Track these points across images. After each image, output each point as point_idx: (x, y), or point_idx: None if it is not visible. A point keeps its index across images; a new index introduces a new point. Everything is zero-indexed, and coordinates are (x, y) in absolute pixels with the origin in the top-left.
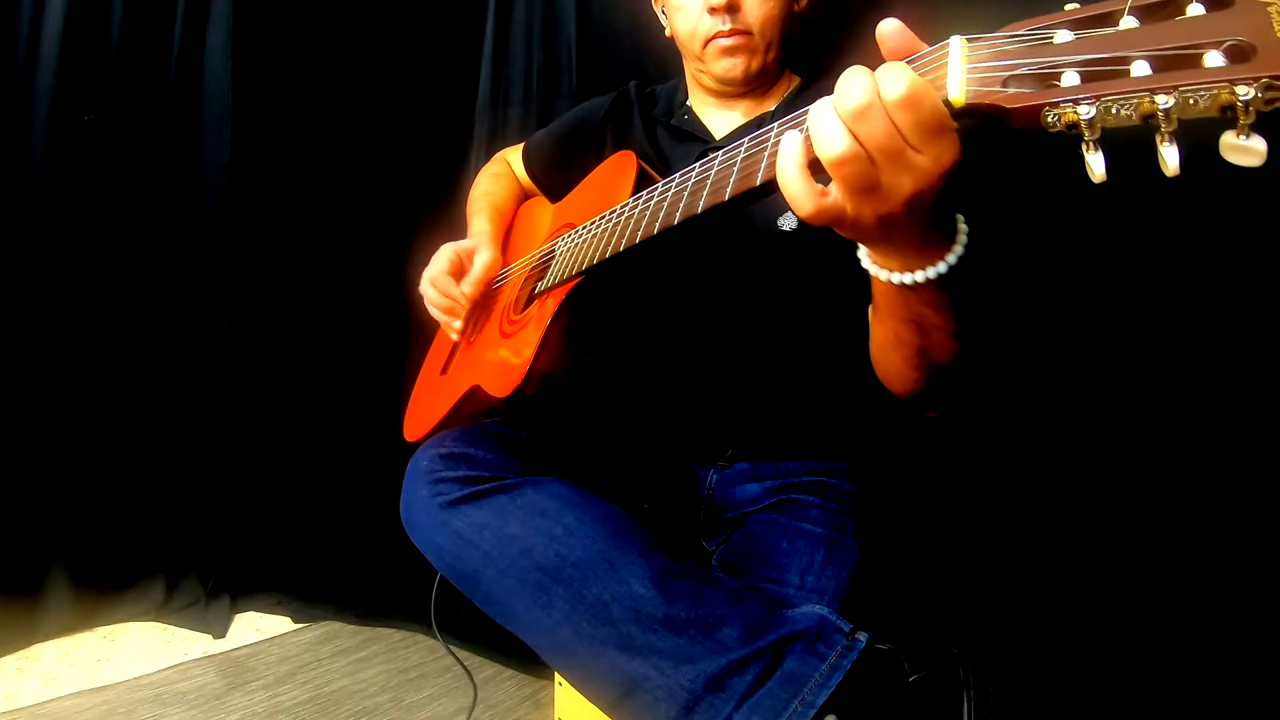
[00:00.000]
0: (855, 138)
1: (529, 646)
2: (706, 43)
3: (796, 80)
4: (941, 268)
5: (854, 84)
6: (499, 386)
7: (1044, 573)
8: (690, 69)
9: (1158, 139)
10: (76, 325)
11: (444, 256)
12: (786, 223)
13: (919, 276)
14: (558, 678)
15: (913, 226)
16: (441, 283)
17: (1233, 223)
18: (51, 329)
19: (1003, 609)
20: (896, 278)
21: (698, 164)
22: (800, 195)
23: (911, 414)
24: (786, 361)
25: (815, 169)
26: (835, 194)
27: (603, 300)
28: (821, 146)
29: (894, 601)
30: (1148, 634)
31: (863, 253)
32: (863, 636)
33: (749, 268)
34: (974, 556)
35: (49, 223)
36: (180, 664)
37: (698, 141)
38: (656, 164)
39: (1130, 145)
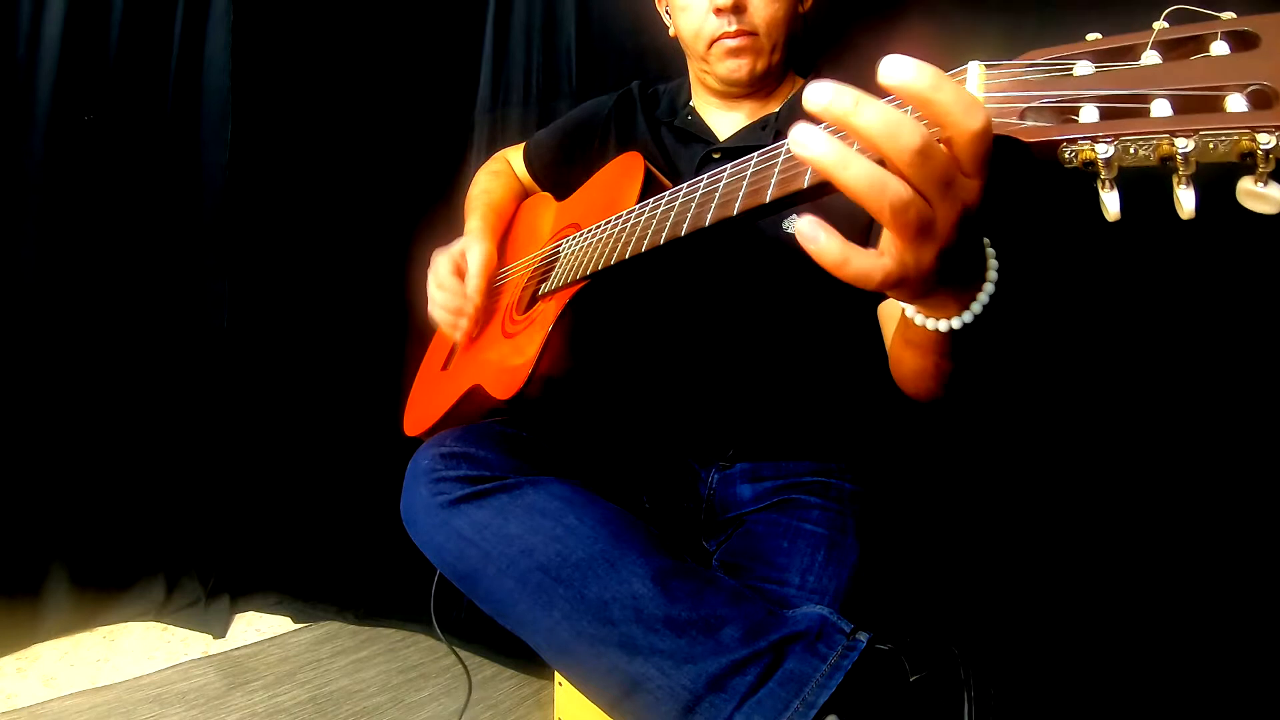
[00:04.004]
0: (911, 183)
1: (529, 646)
2: (711, 43)
3: (800, 81)
4: (990, 289)
5: (908, 128)
6: (501, 388)
7: (1044, 573)
8: (694, 70)
9: (1174, 180)
10: (76, 325)
11: (442, 263)
12: (791, 226)
13: (975, 310)
14: (558, 678)
15: (966, 255)
16: (449, 284)
17: (1240, 256)
18: (51, 329)
19: (1003, 609)
20: (957, 323)
21: (707, 174)
22: (863, 268)
23: (918, 412)
24: (789, 363)
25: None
26: (892, 251)
27: (607, 303)
28: (876, 201)
29: (894, 601)
30: (1148, 634)
31: (911, 310)
32: (863, 637)
33: (753, 271)
34: (974, 556)
35: (49, 223)
36: (180, 664)
37: (701, 143)
38: (660, 164)
39: (1143, 181)
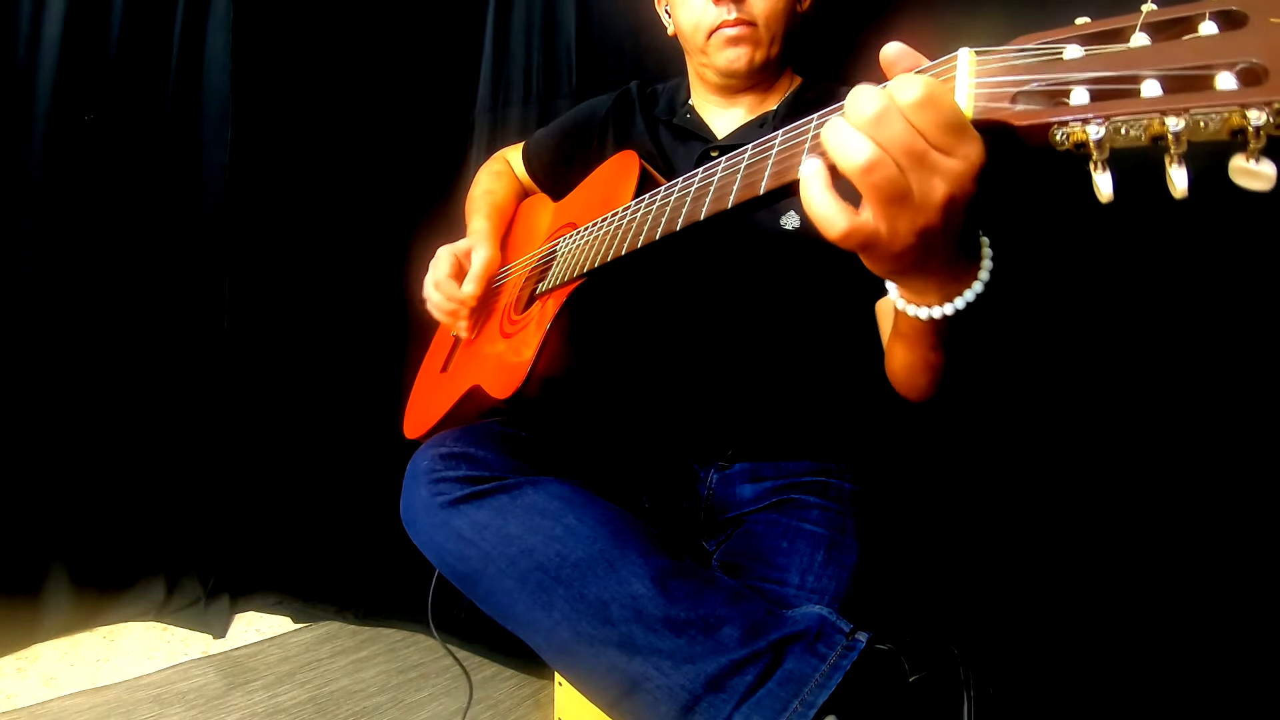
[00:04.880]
0: (877, 143)
1: (529, 646)
2: (711, 34)
3: (798, 80)
4: (978, 287)
5: (864, 94)
6: (500, 387)
7: (1044, 573)
8: (693, 65)
9: (1167, 160)
10: (76, 326)
11: (444, 260)
12: (789, 222)
13: (958, 304)
14: (557, 678)
15: (949, 241)
16: (445, 286)
17: (1235, 237)
18: (51, 329)
19: (1003, 609)
20: (938, 312)
21: (701, 168)
22: (830, 214)
23: (917, 412)
24: (788, 362)
25: (842, 192)
26: (867, 213)
27: (605, 301)
28: (844, 158)
29: (894, 601)
30: (1148, 634)
31: (895, 293)
32: (863, 636)
33: (751, 267)
34: (974, 556)
35: (48, 223)
36: (180, 664)
37: (700, 140)
38: (658, 163)
39: (1138, 163)
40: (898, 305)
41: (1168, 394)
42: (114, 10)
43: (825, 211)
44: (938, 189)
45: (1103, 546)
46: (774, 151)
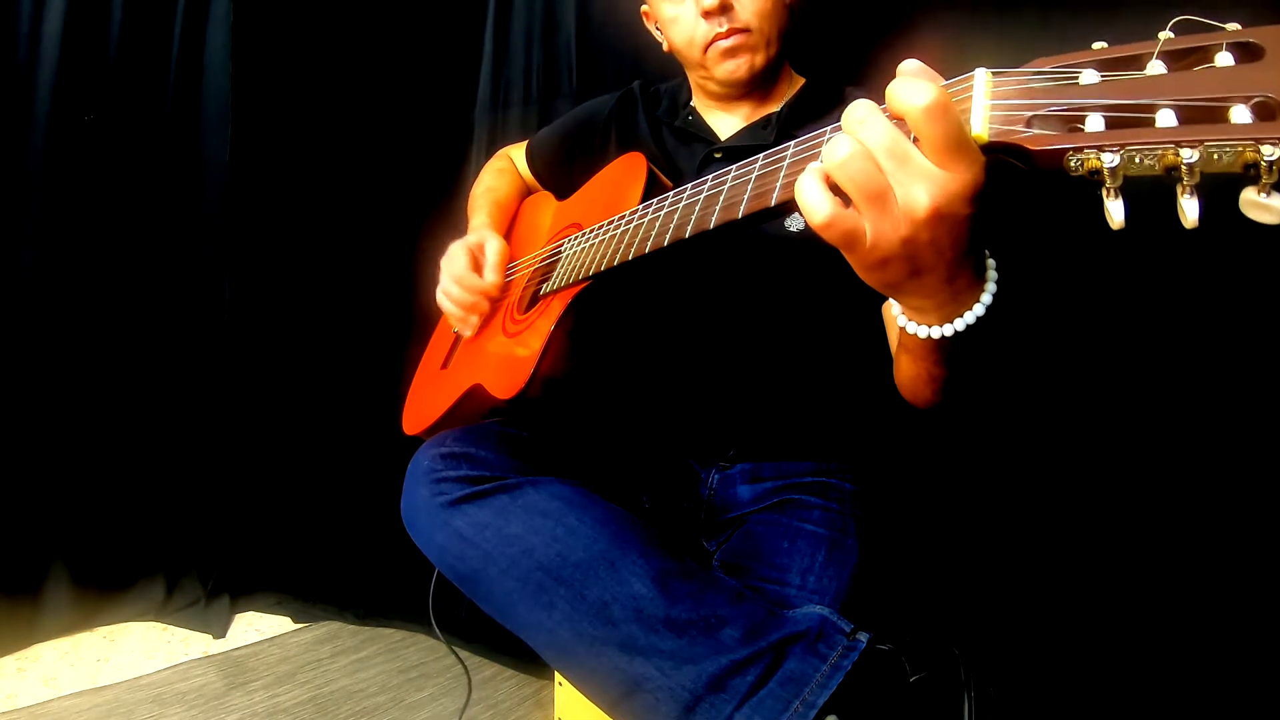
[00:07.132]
0: (858, 140)
1: (529, 646)
2: (707, 47)
3: (800, 81)
4: (979, 310)
5: (856, 103)
6: (502, 387)
7: (1044, 573)
8: (693, 78)
9: (1179, 190)
10: (76, 325)
11: (459, 255)
12: (794, 225)
13: (959, 325)
14: (558, 678)
15: (945, 261)
16: (468, 280)
17: (1242, 266)
18: (51, 329)
19: (1003, 609)
20: (937, 331)
21: (711, 175)
22: (814, 200)
23: (918, 414)
24: (789, 363)
25: (834, 191)
26: (852, 210)
27: (609, 303)
28: (827, 155)
29: (894, 602)
30: (1148, 634)
31: (896, 308)
32: (864, 637)
33: (755, 270)
34: (974, 556)
35: (49, 223)
36: (180, 664)
37: (702, 143)
38: (661, 164)
39: (1147, 190)
40: (899, 321)
41: (1169, 405)
42: (114, 10)
43: (810, 197)
44: (921, 198)
45: (1103, 547)
46: (786, 162)
